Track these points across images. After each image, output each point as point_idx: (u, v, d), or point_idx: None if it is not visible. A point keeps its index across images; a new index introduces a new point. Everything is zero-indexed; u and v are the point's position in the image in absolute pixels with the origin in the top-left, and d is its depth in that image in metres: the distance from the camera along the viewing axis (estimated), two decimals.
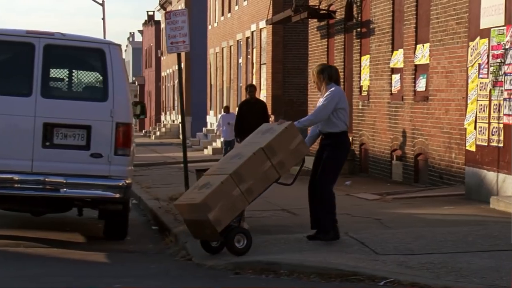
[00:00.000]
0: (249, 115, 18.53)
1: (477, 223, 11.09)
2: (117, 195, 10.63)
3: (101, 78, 11.11)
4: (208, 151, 33.46)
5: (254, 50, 32.86)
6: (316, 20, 23.70)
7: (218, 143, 32.67)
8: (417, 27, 17.39)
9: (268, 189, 9.68)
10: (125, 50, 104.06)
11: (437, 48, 16.20)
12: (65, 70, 11.61)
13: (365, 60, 20.34)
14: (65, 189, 10.54)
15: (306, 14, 21.84)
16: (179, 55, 15.06)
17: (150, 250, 10.82)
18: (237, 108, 19.73)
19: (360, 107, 20.67)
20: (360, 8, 20.77)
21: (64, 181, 10.52)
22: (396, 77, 18.46)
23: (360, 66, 20.76)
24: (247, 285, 8.10)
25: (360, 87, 20.73)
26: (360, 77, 20.75)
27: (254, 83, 32.77)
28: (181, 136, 56.78)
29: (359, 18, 20.79)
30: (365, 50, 20.44)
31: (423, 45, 16.97)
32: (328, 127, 10.03)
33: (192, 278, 8.64)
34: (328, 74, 10.15)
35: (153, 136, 54.23)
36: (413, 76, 17.47)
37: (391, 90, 18.72)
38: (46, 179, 10.51)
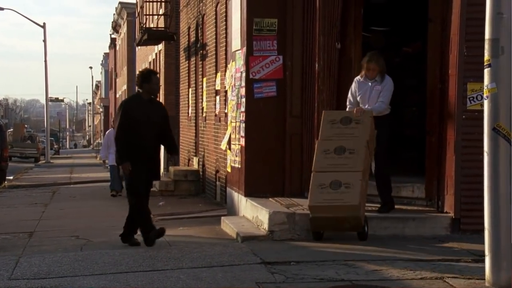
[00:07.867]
0: (146, 122, 10.95)
1: (166, 244, 11.19)
2: None
3: None
4: None
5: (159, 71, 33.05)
6: (185, 42, 23.95)
7: None
8: (226, 49, 17.54)
9: None
10: (101, 73, 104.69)
11: None
12: None
13: (205, 82, 20.51)
14: None
15: (147, 36, 22.04)
16: None
17: None
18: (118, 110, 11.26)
19: (202, 128, 20.82)
20: (202, 30, 20.95)
21: None
22: (218, 99, 18.60)
23: (202, 88, 20.92)
24: None
25: (202, 109, 20.88)
26: (202, 99, 20.91)
27: None
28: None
29: (202, 41, 20.98)
30: (204, 72, 20.61)
31: None
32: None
33: None
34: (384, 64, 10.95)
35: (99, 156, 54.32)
36: (225, 98, 17.59)
37: (215, 112, 18.87)
38: None
